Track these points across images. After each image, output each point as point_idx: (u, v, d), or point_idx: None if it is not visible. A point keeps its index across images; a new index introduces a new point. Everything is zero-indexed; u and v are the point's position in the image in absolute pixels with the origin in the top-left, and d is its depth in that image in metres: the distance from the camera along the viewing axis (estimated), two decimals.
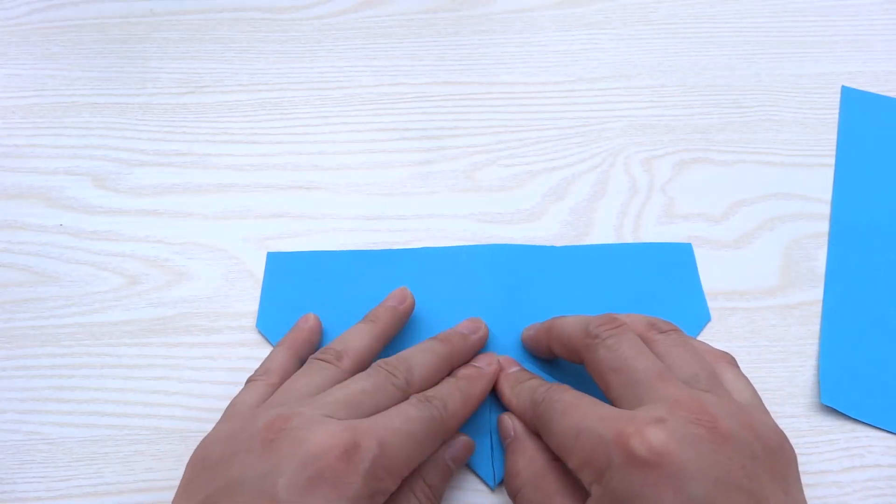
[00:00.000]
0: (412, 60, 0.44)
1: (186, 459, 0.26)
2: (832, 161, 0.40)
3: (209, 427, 0.28)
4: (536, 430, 0.28)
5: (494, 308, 0.34)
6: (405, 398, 0.28)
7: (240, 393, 0.30)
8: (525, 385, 0.30)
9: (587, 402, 0.26)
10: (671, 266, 0.36)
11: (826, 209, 0.38)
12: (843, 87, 0.42)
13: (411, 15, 0.46)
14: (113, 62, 0.44)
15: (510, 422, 0.29)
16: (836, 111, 0.41)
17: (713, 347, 0.30)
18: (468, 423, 0.30)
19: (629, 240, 0.37)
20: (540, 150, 0.40)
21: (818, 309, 0.35)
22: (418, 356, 0.30)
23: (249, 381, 0.30)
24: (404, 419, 0.26)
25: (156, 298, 0.36)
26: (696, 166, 0.40)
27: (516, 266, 0.35)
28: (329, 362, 0.29)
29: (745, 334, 0.34)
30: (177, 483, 0.26)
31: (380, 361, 0.29)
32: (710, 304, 0.35)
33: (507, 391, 0.30)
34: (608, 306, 0.34)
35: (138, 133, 0.41)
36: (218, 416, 0.29)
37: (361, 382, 0.27)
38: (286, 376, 0.30)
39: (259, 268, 0.36)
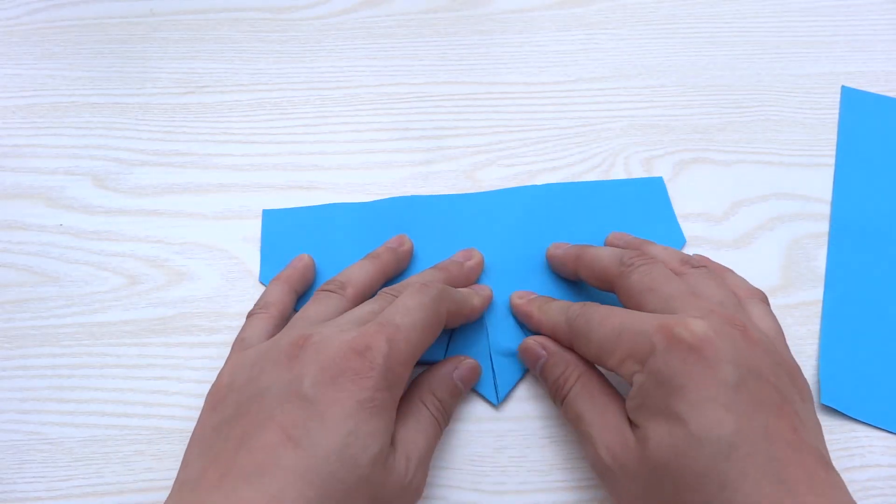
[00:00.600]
0: (412, 60, 0.44)
1: None
2: (832, 161, 0.40)
3: None
4: (571, 345, 0.30)
5: (488, 248, 0.35)
6: None
7: (243, 328, 0.31)
8: (554, 305, 0.31)
9: (624, 310, 0.28)
10: (645, 198, 0.38)
11: (826, 209, 0.38)
12: (843, 87, 0.42)
13: (411, 15, 0.46)
14: (113, 62, 0.44)
15: (536, 344, 0.31)
16: (836, 111, 0.41)
17: (748, 283, 0.32)
18: (469, 347, 0.33)
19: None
20: (540, 150, 0.40)
21: (818, 309, 0.35)
22: (417, 280, 0.31)
23: (250, 315, 0.32)
24: (404, 312, 0.27)
25: (156, 298, 0.36)
26: (696, 166, 0.40)
27: (505, 208, 0.37)
28: (334, 292, 0.31)
29: None
30: None
31: (385, 289, 0.31)
32: None
33: (536, 312, 0.32)
34: (590, 237, 0.36)
35: (138, 133, 0.41)
36: None
37: (370, 305, 0.29)
38: (284, 310, 0.32)
39: (259, 267, 0.36)
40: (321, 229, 0.37)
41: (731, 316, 0.26)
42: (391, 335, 0.26)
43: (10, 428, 0.32)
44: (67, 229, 0.38)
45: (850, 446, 0.31)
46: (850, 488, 0.30)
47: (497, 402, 0.32)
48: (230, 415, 0.26)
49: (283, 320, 0.32)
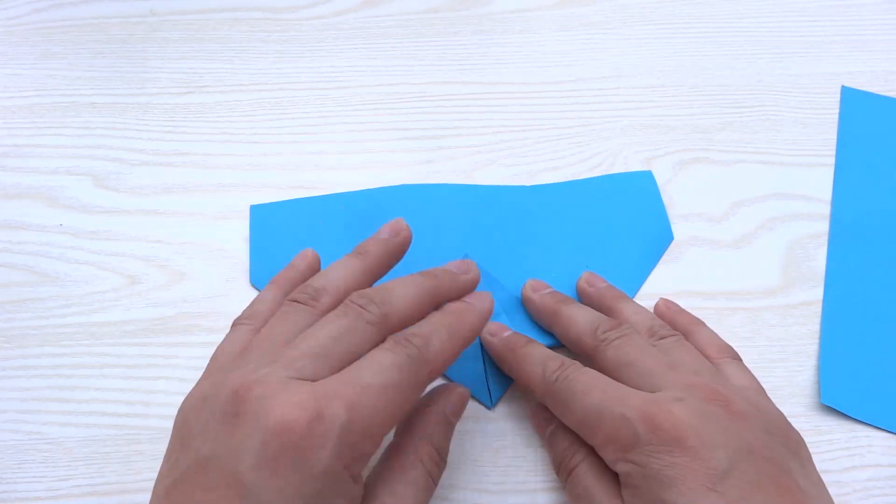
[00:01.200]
0: (412, 60, 0.44)
1: None
2: (832, 161, 0.40)
3: None
4: (546, 403, 0.28)
5: (480, 244, 0.36)
6: (381, 337, 0.25)
7: (224, 339, 0.28)
8: (533, 355, 0.29)
9: (606, 382, 0.27)
10: (635, 193, 0.38)
11: (826, 209, 0.38)
12: (843, 87, 0.42)
13: (411, 15, 0.46)
14: (113, 62, 0.44)
15: (543, 417, 0.30)
16: (836, 111, 0.41)
17: (718, 338, 0.31)
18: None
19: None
20: (540, 150, 0.40)
21: (818, 309, 0.35)
22: (399, 288, 0.26)
23: (234, 324, 0.28)
24: (377, 370, 0.23)
25: (156, 298, 0.36)
26: (696, 166, 0.40)
27: (501, 205, 0.37)
28: (305, 304, 0.26)
29: (746, 334, 0.34)
30: None
31: (353, 295, 0.26)
32: (710, 304, 0.35)
33: (510, 357, 0.30)
34: (581, 235, 0.37)
35: (138, 133, 0.41)
36: None
37: (329, 326, 0.25)
38: None
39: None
40: (314, 222, 0.37)
41: (712, 389, 0.25)
42: (354, 400, 0.22)
43: (10, 428, 0.32)
44: (67, 229, 0.38)
45: (850, 446, 0.31)
46: (851, 488, 0.30)
47: (490, 404, 0.32)
48: (179, 480, 0.22)
49: None
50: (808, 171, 0.39)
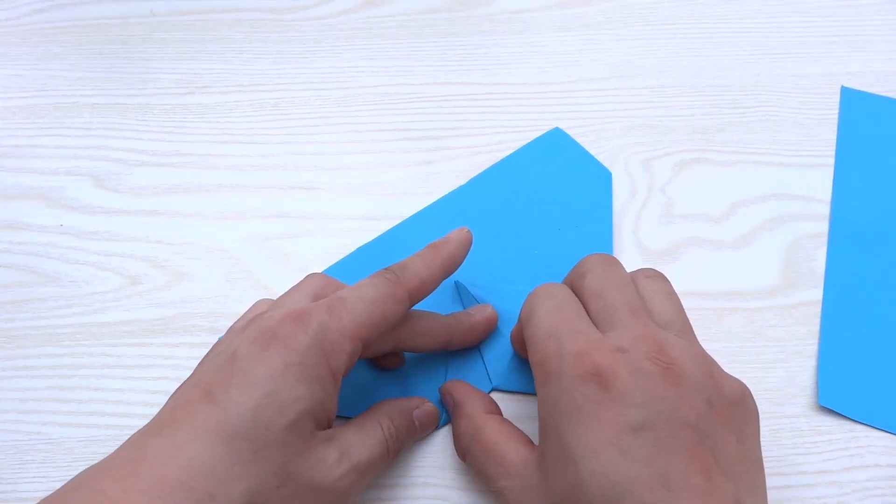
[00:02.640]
0: (412, 60, 0.44)
1: None
2: (832, 161, 0.40)
3: None
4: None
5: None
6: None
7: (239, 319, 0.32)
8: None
9: (572, 311, 0.27)
10: (558, 150, 0.39)
11: (826, 209, 0.38)
12: (842, 87, 0.42)
13: (411, 15, 0.46)
14: (113, 62, 0.44)
15: (448, 392, 0.31)
16: (836, 111, 0.41)
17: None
18: (466, 371, 0.33)
19: (630, 239, 0.37)
20: None
21: (818, 309, 0.35)
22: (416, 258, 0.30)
23: (251, 309, 0.32)
24: (356, 287, 0.27)
25: (156, 298, 0.36)
26: (696, 167, 0.40)
27: (448, 218, 0.38)
28: (315, 281, 0.30)
29: (746, 334, 0.34)
30: None
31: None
32: (710, 304, 0.35)
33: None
34: (530, 205, 0.37)
35: (138, 133, 0.41)
36: None
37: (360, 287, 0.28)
38: None
39: (259, 267, 0.36)
40: None
41: (660, 348, 0.24)
42: (332, 305, 0.26)
43: (10, 428, 0.32)
44: (68, 229, 0.38)
45: (849, 446, 0.31)
46: (850, 488, 0.30)
47: (490, 385, 0.33)
48: (190, 378, 0.27)
49: None
50: (808, 171, 0.39)
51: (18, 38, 0.45)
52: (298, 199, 0.39)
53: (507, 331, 0.33)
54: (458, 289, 0.35)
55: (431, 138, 0.41)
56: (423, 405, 0.31)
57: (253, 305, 0.32)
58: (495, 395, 0.33)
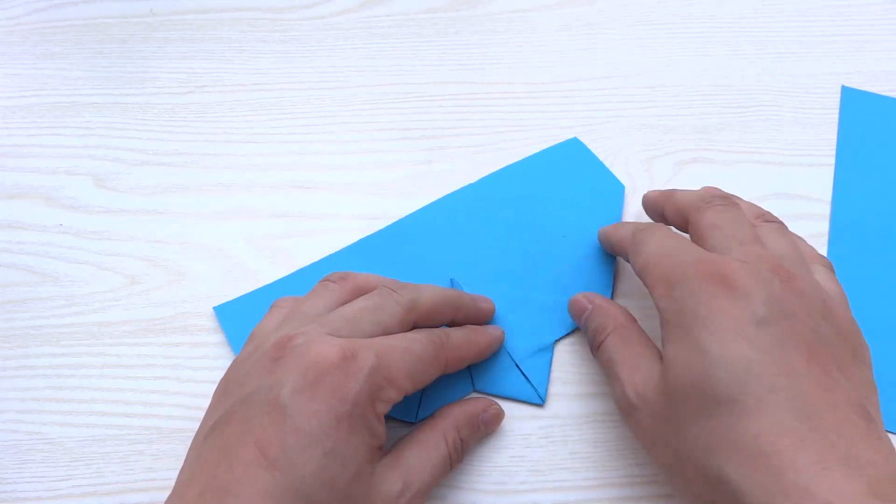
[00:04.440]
0: (412, 60, 0.44)
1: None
2: (832, 161, 0.40)
3: None
4: (628, 255, 0.30)
5: (458, 259, 0.36)
6: (409, 324, 0.29)
7: (262, 319, 0.30)
8: (628, 223, 0.33)
9: (683, 239, 0.28)
10: (573, 160, 0.39)
11: (826, 209, 0.38)
12: (843, 87, 0.42)
13: (411, 15, 0.46)
14: (113, 62, 0.44)
15: (584, 298, 0.32)
16: (836, 111, 0.41)
17: (815, 251, 0.30)
18: (490, 365, 0.33)
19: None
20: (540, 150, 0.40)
21: None
22: (427, 287, 0.30)
23: (273, 306, 0.31)
24: (403, 338, 0.27)
25: (156, 298, 0.36)
26: (696, 166, 0.40)
27: (457, 215, 0.37)
28: (336, 282, 0.30)
29: None
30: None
31: (385, 280, 0.30)
32: None
33: (610, 228, 0.33)
34: (539, 211, 0.37)
35: (138, 133, 0.41)
36: None
37: (364, 301, 0.28)
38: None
39: (259, 267, 0.36)
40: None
41: (778, 266, 0.25)
42: (381, 351, 0.26)
43: (10, 428, 0.32)
44: (67, 229, 0.38)
45: None
46: None
47: (542, 401, 0.32)
48: (220, 419, 0.25)
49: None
50: (808, 171, 0.39)
51: (18, 37, 0.45)
52: (298, 198, 0.39)
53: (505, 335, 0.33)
54: (454, 286, 0.35)
55: (431, 138, 0.41)
56: (490, 408, 0.31)
57: (275, 306, 0.31)
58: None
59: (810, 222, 0.38)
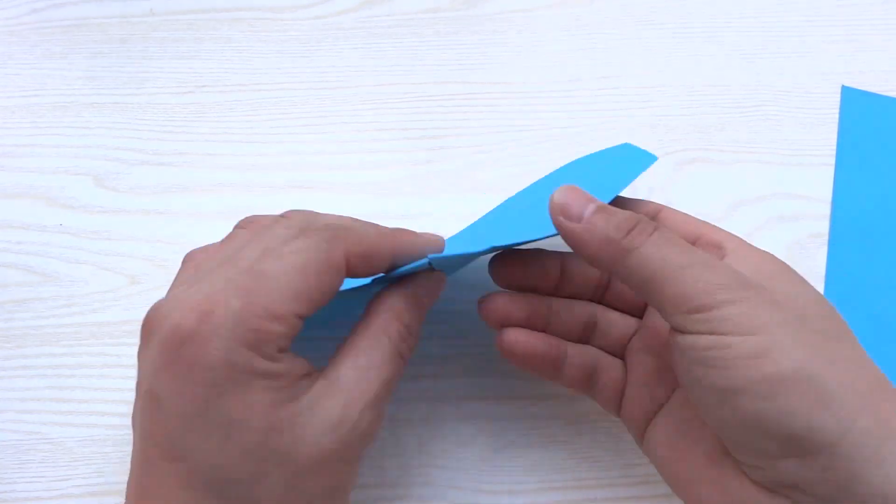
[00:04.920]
0: (412, 60, 0.44)
1: None
2: (832, 161, 0.40)
3: None
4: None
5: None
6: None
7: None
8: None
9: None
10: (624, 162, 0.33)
11: (826, 209, 0.38)
12: (843, 87, 0.42)
13: (411, 15, 0.46)
14: (112, 62, 0.44)
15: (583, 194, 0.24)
16: (836, 111, 0.41)
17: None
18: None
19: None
20: (540, 150, 0.40)
21: None
22: (336, 216, 0.26)
23: (183, 262, 0.28)
24: (277, 255, 0.23)
25: (156, 298, 0.35)
26: (696, 166, 0.40)
27: (515, 219, 0.32)
28: (242, 227, 0.26)
29: None
30: None
31: (288, 212, 0.26)
32: None
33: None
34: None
35: (138, 133, 0.41)
36: None
37: (245, 237, 0.25)
38: None
39: None
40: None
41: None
42: (250, 286, 0.22)
43: (10, 428, 0.32)
44: (67, 229, 0.38)
45: None
46: None
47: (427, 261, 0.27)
48: (132, 420, 0.24)
49: None
50: (808, 171, 0.39)
51: (18, 37, 0.45)
52: (298, 198, 0.39)
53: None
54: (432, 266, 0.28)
55: (431, 138, 0.41)
56: (426, 280, 0.26)
57: (184, 262, 0.28)
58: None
59: (810, 222, 0.38)
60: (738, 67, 0.43)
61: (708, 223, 0.29)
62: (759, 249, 0.27)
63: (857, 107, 0.41)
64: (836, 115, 0.41)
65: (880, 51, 0.44)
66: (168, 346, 0.21)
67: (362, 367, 0.23)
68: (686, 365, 0.22)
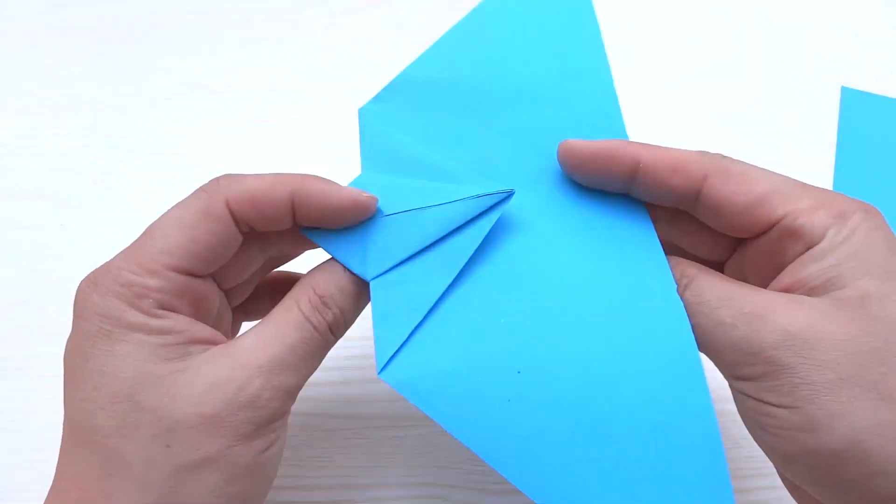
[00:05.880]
0: (412, 60, 0.44)
1: None
2: (832, 161, 0.40)
3: None
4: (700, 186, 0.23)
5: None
6: (212, 210, 0.24)
7: None
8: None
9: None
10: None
11: None
12: (842, 87, 0.42)
13: (411, 15, 0.46)
14: (113, 62, 0.44)
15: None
16: (836, 111, 0.41)
17: None
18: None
19: None
20: None
21: None
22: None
23: None
24: (165, 214, 0.23)
25: None
26: None
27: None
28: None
29: None
30: None
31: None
32: None
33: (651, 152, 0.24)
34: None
35: (138, 133, 0.41)
36: None
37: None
38: None
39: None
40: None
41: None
42: (134, 247, 0.23)
43: (10, 428, 0.32)
44: (67, 229, 0.38)
45: None
46: None
47: (369, 278, 0.24)
48: None
49: None
50: (808, 171, 0.39)
51: (18, 37, 0.45)
52: None
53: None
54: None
55: None
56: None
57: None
58: None
59: None
60: (739, 67, 0.43)
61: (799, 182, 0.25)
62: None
63: (857, 107, 0.41)
64: (836, 115, 0.41)
65: (880, 51, 0.44)
66: (74, 314, 0.22)
67: (262, 333, 0.23)
68: (742, 411, 0.22)
